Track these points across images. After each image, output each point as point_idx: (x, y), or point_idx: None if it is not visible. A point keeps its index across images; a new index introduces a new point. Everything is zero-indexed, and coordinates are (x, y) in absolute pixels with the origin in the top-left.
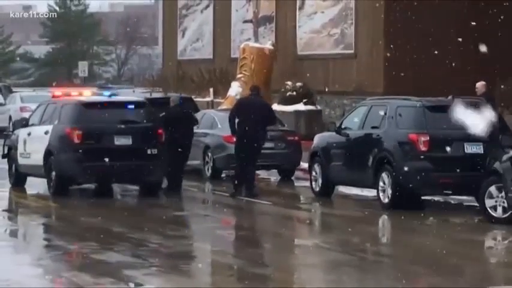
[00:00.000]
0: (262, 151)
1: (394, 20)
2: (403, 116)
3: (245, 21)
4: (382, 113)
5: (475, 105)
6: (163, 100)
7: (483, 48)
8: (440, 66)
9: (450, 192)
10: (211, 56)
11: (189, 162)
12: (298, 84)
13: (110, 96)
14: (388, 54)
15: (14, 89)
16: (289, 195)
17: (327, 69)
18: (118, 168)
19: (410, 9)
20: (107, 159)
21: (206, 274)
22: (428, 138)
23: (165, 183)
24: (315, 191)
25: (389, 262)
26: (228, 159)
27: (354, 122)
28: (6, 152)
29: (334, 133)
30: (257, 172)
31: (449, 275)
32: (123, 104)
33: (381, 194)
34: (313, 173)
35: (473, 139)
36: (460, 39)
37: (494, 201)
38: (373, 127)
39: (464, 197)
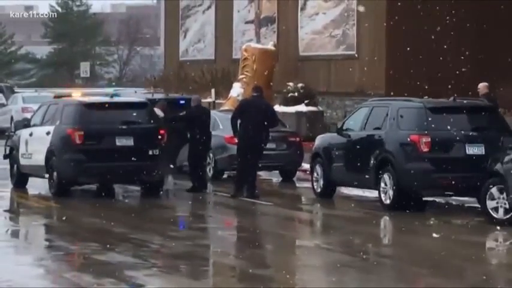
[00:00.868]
0: (264, 152)
1: (396, 21)
2: (405, 117)
3: (247, 22)
4: (383, 113)
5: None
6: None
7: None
8: (442, 68)
9: (451, 193)
10: (213, 57)
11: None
12: (300, 85)
13: (111, 96)
14: (390, 55)
15: (16, 90)
16: (290, 196)
17: (329, 70)
18: (119, 169)
19: (412, 10)
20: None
21: (207, 275)
22: (429, 139)
23: (169, 184)
24: (316, 192)
25: (391, 263)
26: (229, 160)
27: (355, 123)
28: (8, 152)
29: (335, 134)
30: (259, 173)
31: (451, 276)
32: (124, 105)
33: (382, 195)
34: (315, 174)
35: (474, 140)
36: (462, 41)
37: (496, 202)
38: (374, 128)
39: (466, 198)
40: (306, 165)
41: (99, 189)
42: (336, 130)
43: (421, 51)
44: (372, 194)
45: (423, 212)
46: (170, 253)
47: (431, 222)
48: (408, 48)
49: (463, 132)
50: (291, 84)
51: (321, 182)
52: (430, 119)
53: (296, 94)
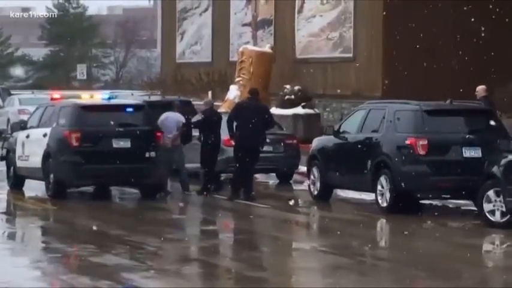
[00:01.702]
0: (261, 154)
1: (393, 23)
2: (402, 119)
3: (244, 25)
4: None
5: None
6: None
7: None
8: (439, 70)
9: (448, 196)
10: (209, 59)
11: (187, 166)
12: (297, 87)
13: (108, 99)
14: (387, 58)
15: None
16: (287, 199)
17: (326, 73)
18: (116, 171)
19: (409, 13)
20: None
21: (204, 277)
22: (426, 142)
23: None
24: (313, 195)
25: (388, 266)
26: (226, 163)
27: (352, 125)
28: (4, 154)
29: (332, 137)
30: (255, 175)
31: (447, 279)
32: (121, 107)
33: (379, 198)
34: (312, 177)
35: (471, 143)
36: (459, 44)
37: (493, 205)
38: (371, 131)
39: (463, 201)
40: (302, 168)
41: (95, 191)
42: (333, 133)
43: (417, 54)
44: (369, 196)
45: (420, 215)
46: (167, 255)
47: (428, 225)
48: (405, 51)
49: (460, 135)
50: (287, 86)
51: (318, 185)
52: (427, 121)
53: (293, 97)
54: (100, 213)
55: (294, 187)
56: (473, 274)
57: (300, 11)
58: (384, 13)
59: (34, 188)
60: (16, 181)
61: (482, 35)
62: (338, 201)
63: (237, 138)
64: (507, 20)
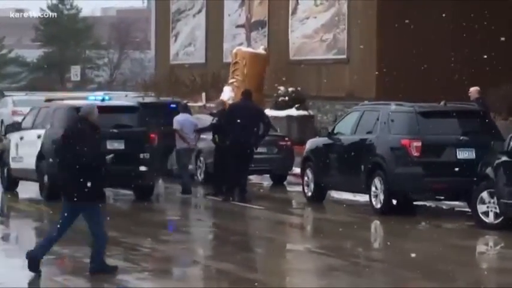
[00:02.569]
0: (255, 156)
1: (386, 25)
2: (396, 121)
3: (238, 26)
4: (374, 118)
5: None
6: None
7: None
8: (433, 72)
9: (442, 197)
10: (203, 61)
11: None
12: (291, 89)
13: (102, 100)
14: (381, 60)
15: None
16: (281, 200)
17: (320, 74)
18: (110, 173)
19: (403, 15)
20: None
21: (198, 279)
22: (420, 143)
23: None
24: (307, 196)
25: (381, 267)
26: None
27: (346, 127)
28: None
29: (326, 138)
30: (249, 177)
31: (441, 281)
32: (115, 109)
33: (373, 199)
34: (306, 178)
35: (465, 145)
36: (453, 46)
37: (486, 206)
38: (365, 132)
39: (456, 203)
40: (296, 169)
41: None
42: (327, 134)
43: (412, 56)
44: (363, 198)
45: (414, 216)
46: (161, 257)
47: (422, 226)
48: (399, 53)
49: (453, 136)
50: (281, 88)
51: (312, 186)
52: (421, 123)
53: (287, 98)
54: None
55: (288, 188)
56: (467, 275)
57: (293, 13)
58: (378, 15)
59: (28, 190)
60: (10, 183)
61: (477, 27)
62: (332, 203)
63: (230, 140)
64: (501, 21)
